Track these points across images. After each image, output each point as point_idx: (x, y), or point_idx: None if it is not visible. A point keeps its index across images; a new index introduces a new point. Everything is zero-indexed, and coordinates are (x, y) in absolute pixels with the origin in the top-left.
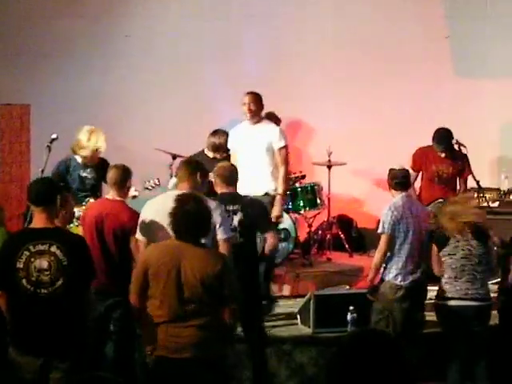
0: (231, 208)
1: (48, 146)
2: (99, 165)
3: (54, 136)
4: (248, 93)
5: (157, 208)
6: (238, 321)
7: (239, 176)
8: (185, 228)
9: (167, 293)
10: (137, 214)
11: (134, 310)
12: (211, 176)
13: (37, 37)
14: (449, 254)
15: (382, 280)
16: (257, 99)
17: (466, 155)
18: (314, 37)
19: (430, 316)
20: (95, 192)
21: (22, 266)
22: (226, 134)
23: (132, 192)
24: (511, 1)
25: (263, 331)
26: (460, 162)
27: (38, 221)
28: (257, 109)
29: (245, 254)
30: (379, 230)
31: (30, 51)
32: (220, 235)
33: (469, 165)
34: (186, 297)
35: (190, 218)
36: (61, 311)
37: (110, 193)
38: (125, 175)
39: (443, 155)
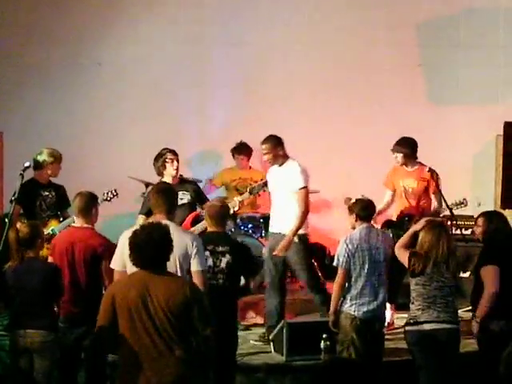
0: (220, 249)
1: (21, 173)
2: (57, 185)
3: (27, 164)
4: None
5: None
6: (212, 348)
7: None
8: (149, 256)
9: (137, 327)
10: (106, 240)
11: (103, 345)
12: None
13: (9, 65)
14: (423, 284)
15: (340, 311)
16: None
17: (433, 172)
18: (285, 58)
19: (399, 343)
20: (56, 211)
21: None
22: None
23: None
24: (483, 29)
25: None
26: (427, 178)
27: None
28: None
29: (226, 298)
30: (334, 263)
31: (2, 79)
32: (195, 267)
33: (437, 183)
34: (156, 330)
35: (153, 245)
36: None
37: (77, 221)
38: (90, 202)
39: (400, 158)
